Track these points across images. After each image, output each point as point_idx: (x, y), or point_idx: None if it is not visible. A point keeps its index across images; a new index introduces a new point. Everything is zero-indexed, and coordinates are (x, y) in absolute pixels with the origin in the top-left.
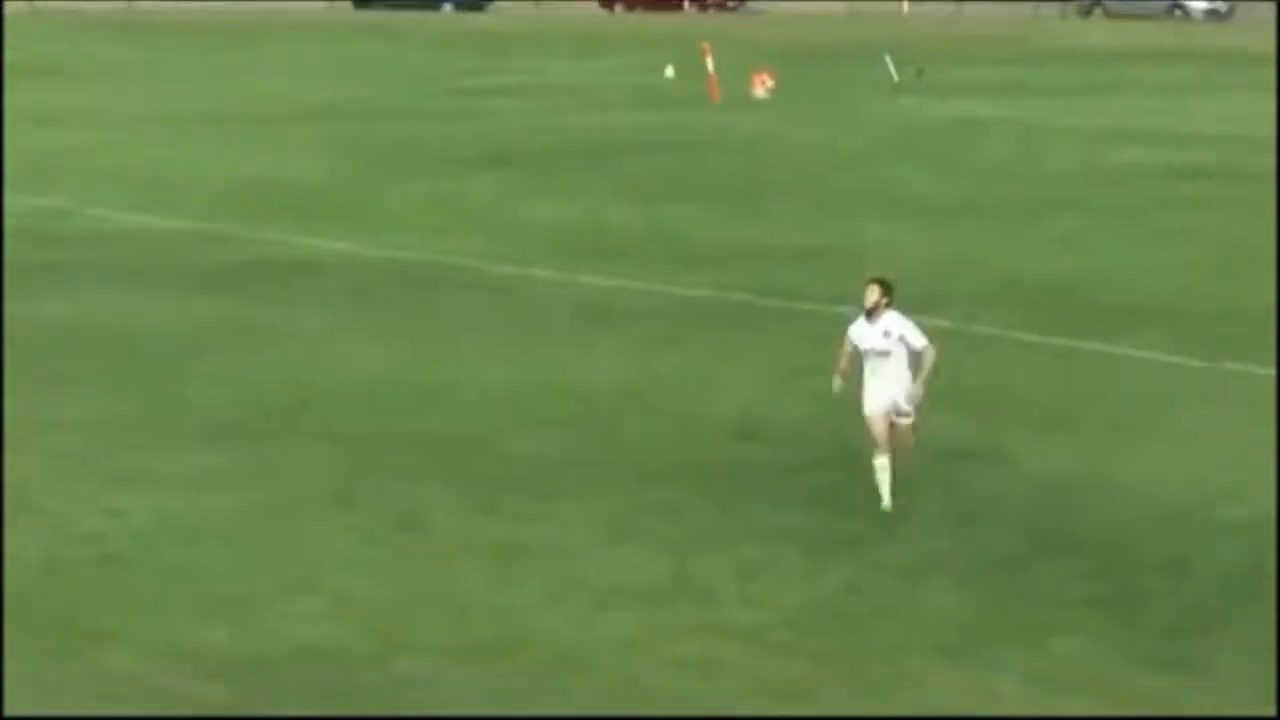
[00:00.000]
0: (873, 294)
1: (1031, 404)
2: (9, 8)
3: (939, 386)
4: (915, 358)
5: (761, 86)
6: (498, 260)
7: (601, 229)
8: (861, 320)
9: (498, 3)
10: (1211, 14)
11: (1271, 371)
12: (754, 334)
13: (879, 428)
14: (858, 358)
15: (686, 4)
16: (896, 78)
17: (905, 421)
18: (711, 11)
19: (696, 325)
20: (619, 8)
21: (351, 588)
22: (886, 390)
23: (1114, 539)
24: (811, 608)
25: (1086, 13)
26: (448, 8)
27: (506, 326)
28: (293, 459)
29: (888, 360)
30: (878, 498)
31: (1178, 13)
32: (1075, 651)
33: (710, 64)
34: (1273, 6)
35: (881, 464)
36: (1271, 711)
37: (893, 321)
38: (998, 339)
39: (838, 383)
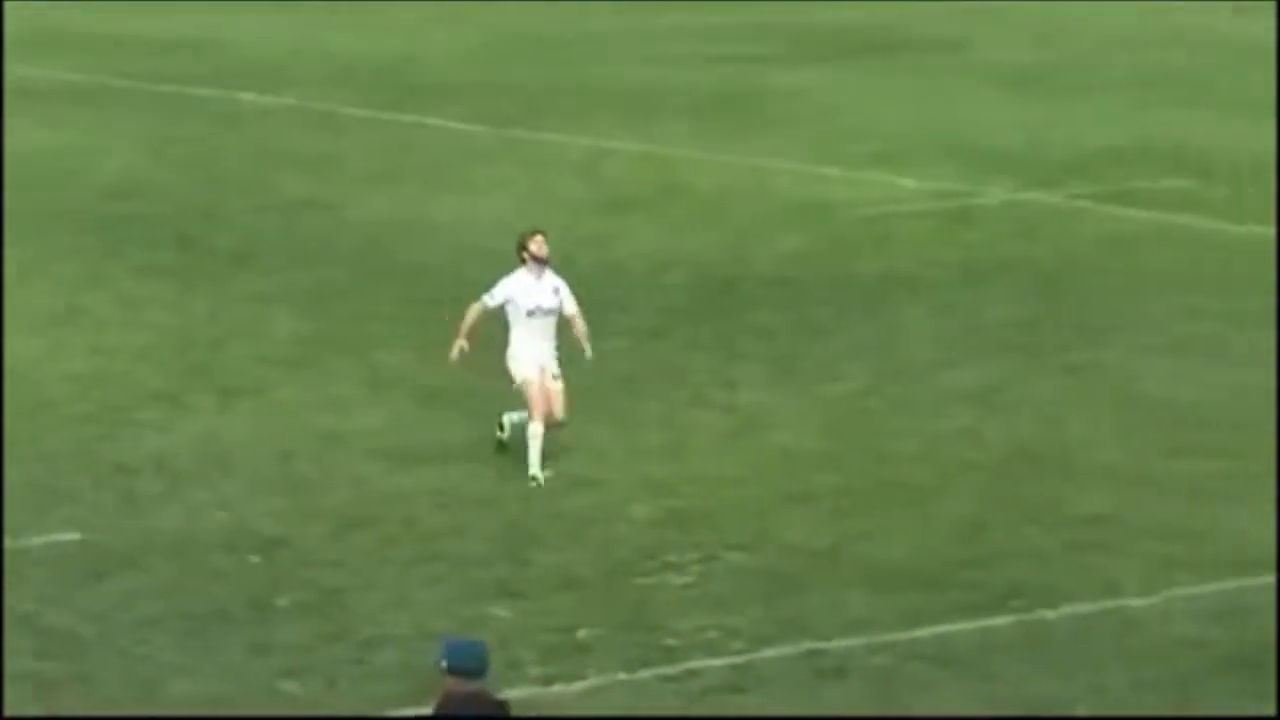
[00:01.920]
0: (544, 244)
1: (359, 165)
2: None
3: (281, 152)
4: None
5: None
6: None
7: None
8: (523, 275)
9: None
10: None
11: (550, 136)
12: (126, 110)
13: (538, 392)
14: (487, 318)
15: None
16: None
17: (559, 385)
18: None
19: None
20: None
21: None
22: (545, 351)
23: (427, 269)
24: (179, 331)
25: None
26: None
27: None
28: None
29: (550, 320)
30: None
31: None
32: (394, 360)
33: None
34: None
35: (536, 431)
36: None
37: (556, 279)
38: (333, 113)
39: (458, 349)
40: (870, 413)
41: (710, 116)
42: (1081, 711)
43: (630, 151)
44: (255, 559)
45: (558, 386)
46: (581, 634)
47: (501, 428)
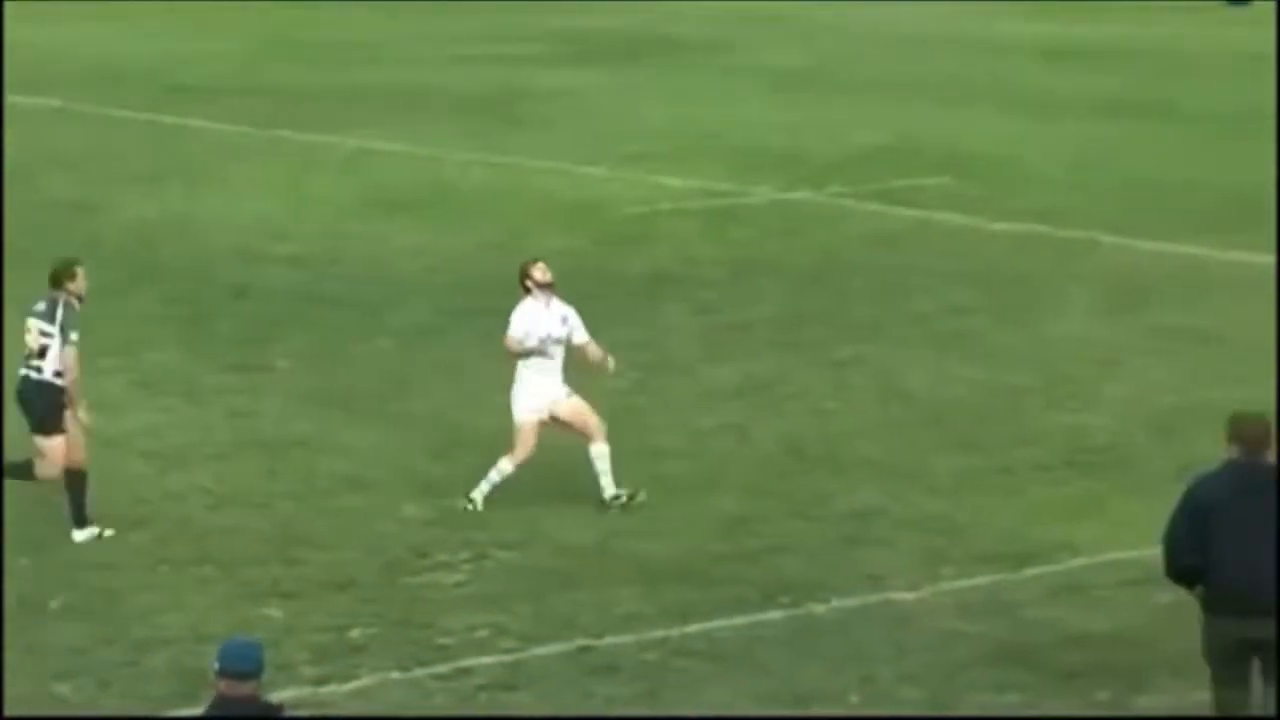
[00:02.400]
0: (547, 270)
1: (124, 166)
2: None
3: (47, 154)
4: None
5: None
6: None
7: None
8: (530, 305)
9: None
10: None
11: (315, 137)
12: None
13: (531, 436)
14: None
15: None
16: None
17: (574, 400)
18: None
19: None
20: None
21: None
22: (553, 384)
23: (194, 269)
24: None
25: None
26: None
27: None
28: None
29: (560, 349)
30: None
31: None
32: (164, 360)
33: None
34: None
35: (600, 451)
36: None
37: (564, 306)
38: (99, 115)
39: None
40: (637, 410)
41: (476, 117)
42: (853, 700)
43: (396, 152)
44: (24, 561)
45: (577, 404)
46: (354, 634)
47: (471, 502)
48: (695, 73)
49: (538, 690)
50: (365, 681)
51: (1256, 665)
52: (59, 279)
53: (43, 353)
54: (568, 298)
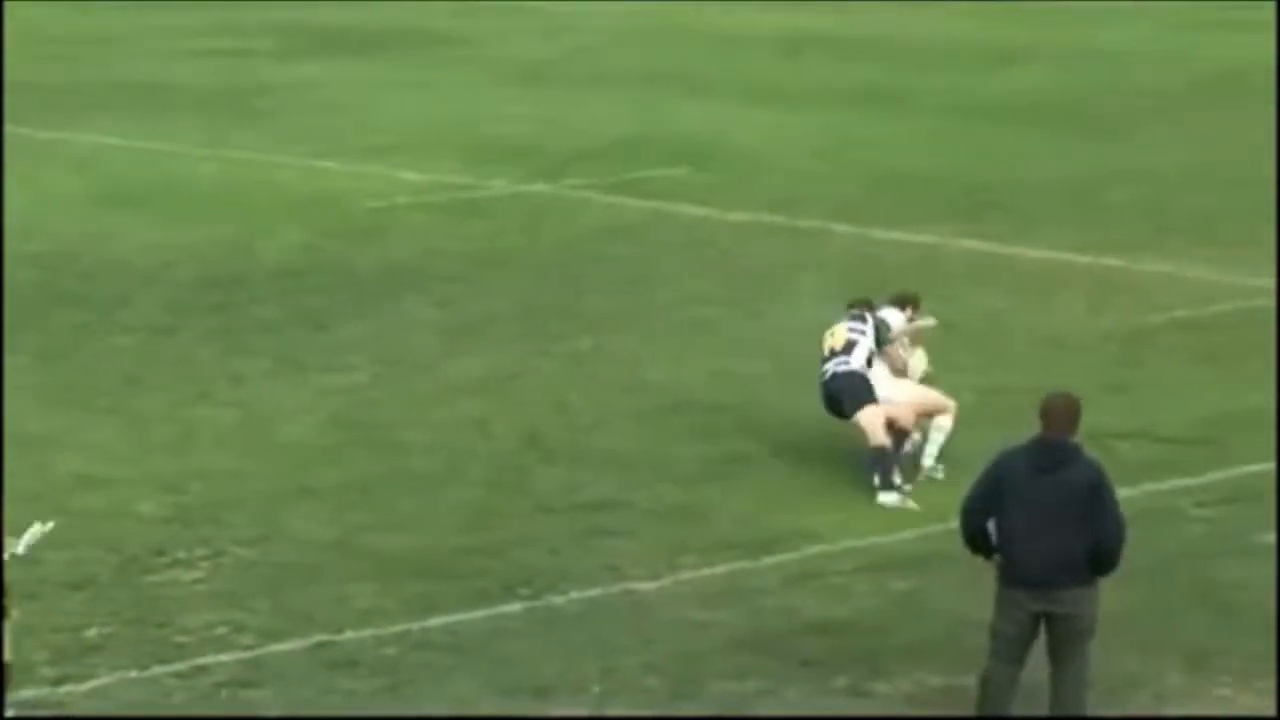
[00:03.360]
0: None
1: None
2: None
3: None
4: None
5: None
6: None
7: None
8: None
9: None
10: None
11: (47, 133)
12: None
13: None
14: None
15: None
16: None
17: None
18: None
19: None
20: None
21: None
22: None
23: None
24: None
25: None
26: None
27: None
28: None
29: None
30: None
31: None
32: None
33: None
34: None
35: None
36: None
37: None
38: None
39: None
40: (375, 404)
41: (210, 112)
42: (595, 690)
43: (130, 148)
44: None
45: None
46: (91, 633)
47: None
48: (434, 66)
49: (277, 687)
50: (103, 681)
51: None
52: None
53: None
54: (306, 292)
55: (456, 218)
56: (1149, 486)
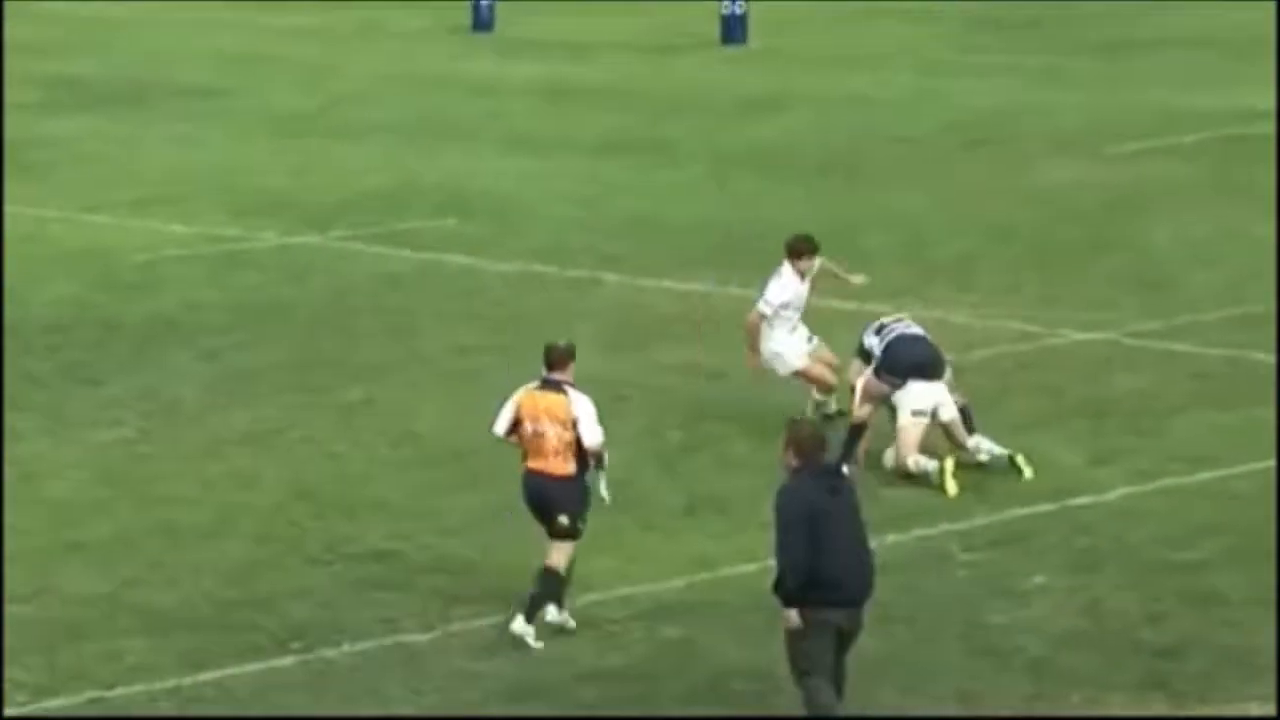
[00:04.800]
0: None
1: None
2: None
3: None
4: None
5: None
6: None
7: None
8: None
9: None
10: None
11: None
12: None
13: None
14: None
15: None
16: None
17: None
18: None
19: None
20: None
21: None
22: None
23: None
24: None
25: None
26: None
27: None
28: None
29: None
30: None
31: None
32: None
33: None
34: None
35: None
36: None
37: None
38: None
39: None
40: (143, 458)
41: None
42: None
43: None
44: None
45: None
46: None
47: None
48: (196, 118)
49: None
50: None
51: None
52: None
53: None
54: (75, 346)
55: (225, 270)
56: (919, 531)
